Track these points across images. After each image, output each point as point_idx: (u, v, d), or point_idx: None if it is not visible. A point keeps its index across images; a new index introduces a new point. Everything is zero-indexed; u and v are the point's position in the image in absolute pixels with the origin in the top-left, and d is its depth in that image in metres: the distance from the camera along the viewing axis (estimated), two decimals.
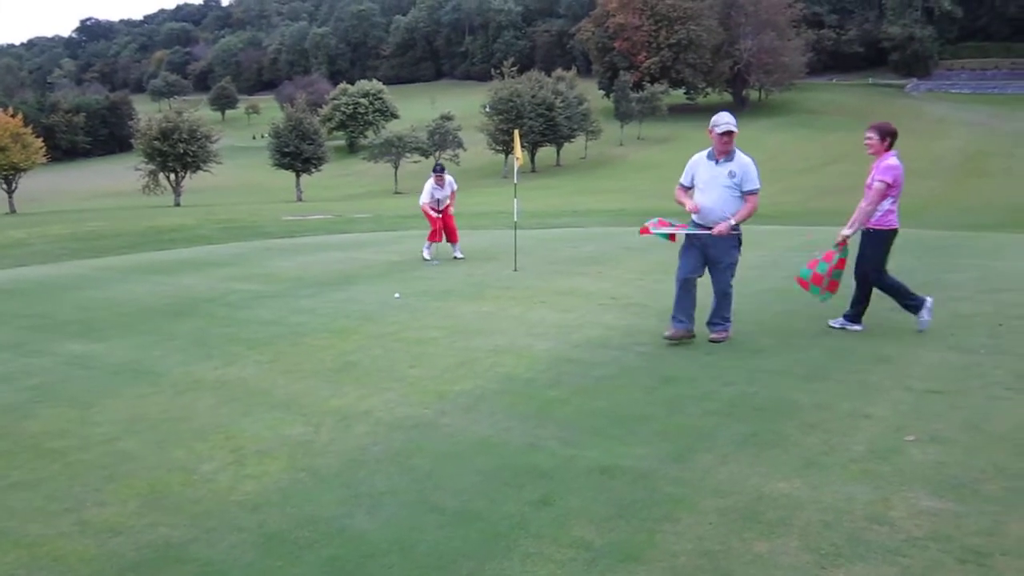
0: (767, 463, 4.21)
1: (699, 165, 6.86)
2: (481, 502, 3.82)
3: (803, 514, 3.62)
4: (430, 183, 13.14)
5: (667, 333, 6.79)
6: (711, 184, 6.74)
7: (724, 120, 6.70)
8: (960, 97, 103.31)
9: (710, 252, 6.82)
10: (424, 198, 13.14)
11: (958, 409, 5.02)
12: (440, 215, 13.12)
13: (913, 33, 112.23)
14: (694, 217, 6.86)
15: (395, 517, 3.70)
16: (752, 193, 6.75)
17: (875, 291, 7.18)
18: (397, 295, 9.55)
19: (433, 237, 13.15)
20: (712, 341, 6.81)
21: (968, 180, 57.41)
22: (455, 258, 13.13)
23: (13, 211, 52.21)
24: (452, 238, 13.30)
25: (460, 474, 4.16)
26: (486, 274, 11.28)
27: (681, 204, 6.96)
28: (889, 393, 5.36)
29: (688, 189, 6.96)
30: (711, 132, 6.74)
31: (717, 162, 6.75)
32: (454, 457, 4.40)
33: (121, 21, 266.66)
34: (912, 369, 5.92)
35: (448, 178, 13.26)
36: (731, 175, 6.69)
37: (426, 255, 13.10)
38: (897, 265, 11.18)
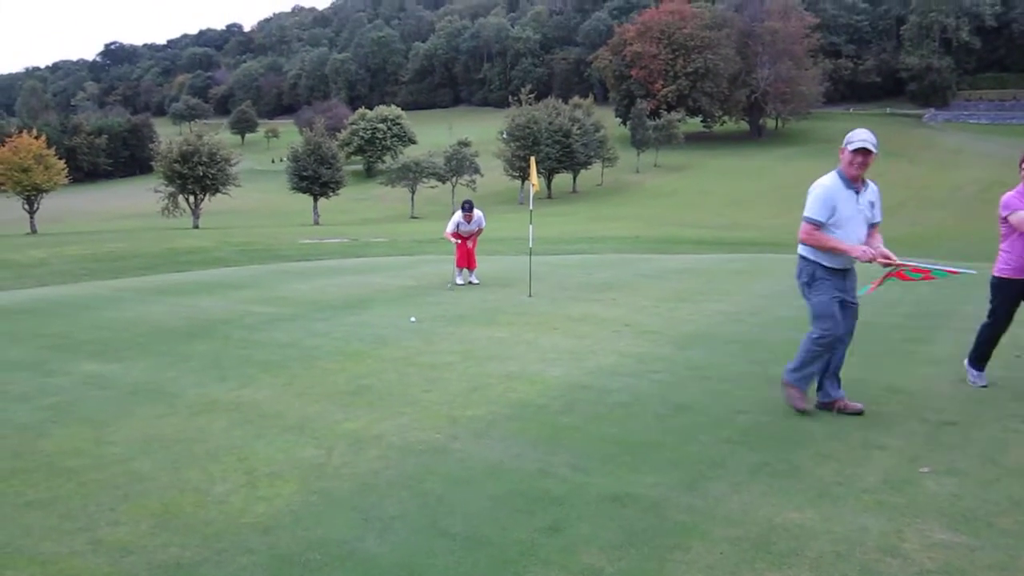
0: (779, 493, 4.19)
1: (839, 196, 5.36)
2: (491, 528, 3.82)
3: (815, 545, 3.60)
4: (458, 216, 13.33)
5: (806, 405, 5.62)
6: (855, 220, 5.42)
7: (860, 136, 5.28)
8: (978, 128, 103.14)
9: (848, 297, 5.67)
10: (449, 228, 13.36)
11: (973, 441, 4.98)
12: (464, 241, 13.42)
13: (931, 63, 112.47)
14: (834, 263, 5.49)
15: (405, 541, 3.70)
16: (877, 225, 5.61)
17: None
18: (413, 319, 9.58)
19: (460, 263, 13.43)
20: (848, 409, 5.59)
21: (985, 210, 56.93)
22: (470, 283, 13.31)
23: (34, 231, 52.74)
24: (470, 264, 13.53)
25: (471, 499, 4.16)
26: (500, 300, 11.31)
27: (836, 250, 5.40)
28: (903, 424, 5.33)
29: (821, 227, 5.41)
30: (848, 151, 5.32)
31: (858, 192, 5.40)
32: (465, 482, 4.40)
33: (144, 45, 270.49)
34: (927, 400, 5.89)
35: (477, 214, 13.44)
36: (872, 206, 5.49)
37: (458, 280, 13.34)
38: (913, 296, 11.17)
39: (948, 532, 3.71)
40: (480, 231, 13.72)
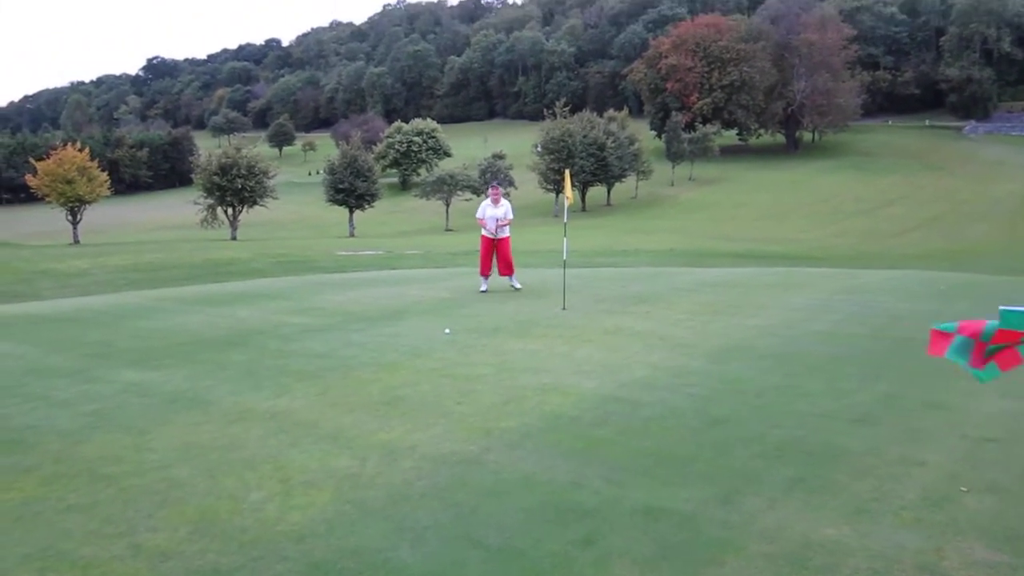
0: (815, 508, 4.14)
1: None
2: (524, 539, 3.82)
3: (852, 561, 3.56)
4: (485, 201, 13.25)
5: None
6: None
7: None
8: (1020, 140, 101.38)
9: None
10: (479, 213, 13.32)
11: (1015, 458, 4.89)
12: (493, 239, 13.17)
13: (971, 75, 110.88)
14: None
15: (438, 551, 3.71)
16: None
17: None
18: (447, 331, 9.61)
19: (483, 270, 13.28)
20: None
21: None
22: (513, 288, 13.06)
23: (77, 241, 53.70)
24: (506, 271, 13.26)
25: (504, 511, 4.16)
26: (534, 312, 11.31)
27: None
28: (943, 440, 5.24)
29: None
30: None
31: None
32: (498, 494, 4.41)
33: (185, 60, 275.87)
34: (967, 416, 5.79)
35: (505, 203, 13.27)
36: None
37: (483, 288, 13.29)
38: (951, 311, 10.98)
39: (989, 551, 3.64)
40: (507, 223, 13.27)
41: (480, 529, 3.94)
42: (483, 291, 13.23)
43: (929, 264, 28.43)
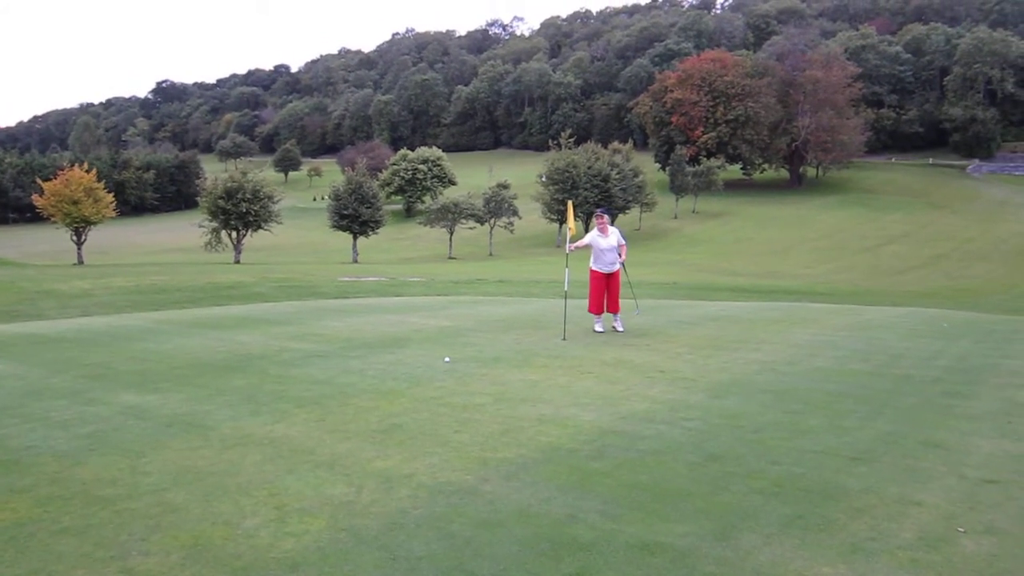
0: (812, 546, 4.12)
1: None
2: (518, 572, 3.80)
3: None
4: (593, 232, 12.18)
5: None
6: None
7: None
8: (1023, 180, 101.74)
9: None
10: (585, 240, 12.26)
11: (1014, 500, 4.86)
12: (606, 275, 12.18)
13: (975, 115, 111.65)
14: None
15: None
16: None
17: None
18: (447, 359, 9.61)
19: (592, 308, 12.27)
20: None
21: None
22: (614, 330, 12.21)
23: (81, 262, 53.87)
24: (613, 307, 12.30)
25: (499, 542, 4.14)
26: (534, 342, 11.30)
27: None
28: (941, 480, 5.22)
29: None
30: None
31: None
32: (493, 525, 4.39)
33: (195, 84, 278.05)
34: (966, 457, 5.76)
35: (615, 230, 12.14)
36: None
37: (597, 328, 12.26)
38: (953, 349, 10.97)
39: None
40: (622, 250, 12.16)
41: (474, 560, 3.92)
42: (600, 331, 12.18)
43: (932, 302, 28.41)
